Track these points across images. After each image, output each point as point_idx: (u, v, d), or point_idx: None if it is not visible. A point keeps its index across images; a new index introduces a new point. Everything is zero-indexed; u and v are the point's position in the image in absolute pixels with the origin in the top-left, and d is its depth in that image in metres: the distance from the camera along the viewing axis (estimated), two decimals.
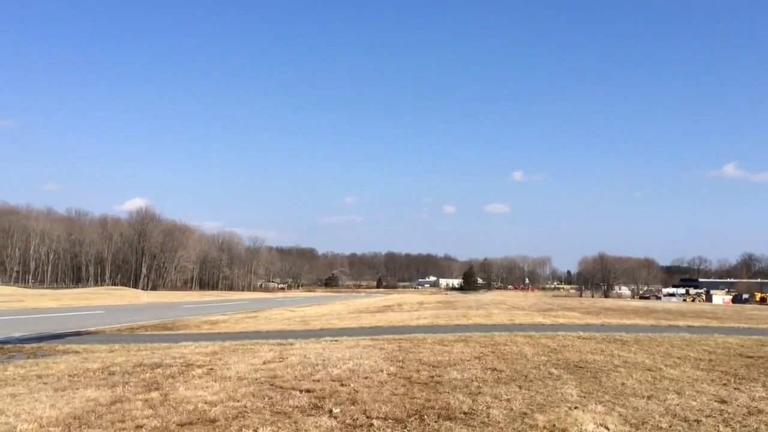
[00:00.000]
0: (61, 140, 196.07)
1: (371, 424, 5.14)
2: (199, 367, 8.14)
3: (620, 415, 5.58)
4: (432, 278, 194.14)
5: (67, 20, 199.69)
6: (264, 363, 8.46)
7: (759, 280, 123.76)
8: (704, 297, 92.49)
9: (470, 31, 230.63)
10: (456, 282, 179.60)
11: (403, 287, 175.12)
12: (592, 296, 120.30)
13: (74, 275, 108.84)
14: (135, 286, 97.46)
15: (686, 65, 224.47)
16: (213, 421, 5.20)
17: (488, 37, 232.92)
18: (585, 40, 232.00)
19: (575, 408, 5.79)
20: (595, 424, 5.25)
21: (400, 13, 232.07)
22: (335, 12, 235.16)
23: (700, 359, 9.44)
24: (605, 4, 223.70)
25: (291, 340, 11.85)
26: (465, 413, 5.53)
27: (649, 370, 8.20)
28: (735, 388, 7.05)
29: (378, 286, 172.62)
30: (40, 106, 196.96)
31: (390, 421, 5.28)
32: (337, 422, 5.21)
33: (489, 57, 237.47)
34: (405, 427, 5.09)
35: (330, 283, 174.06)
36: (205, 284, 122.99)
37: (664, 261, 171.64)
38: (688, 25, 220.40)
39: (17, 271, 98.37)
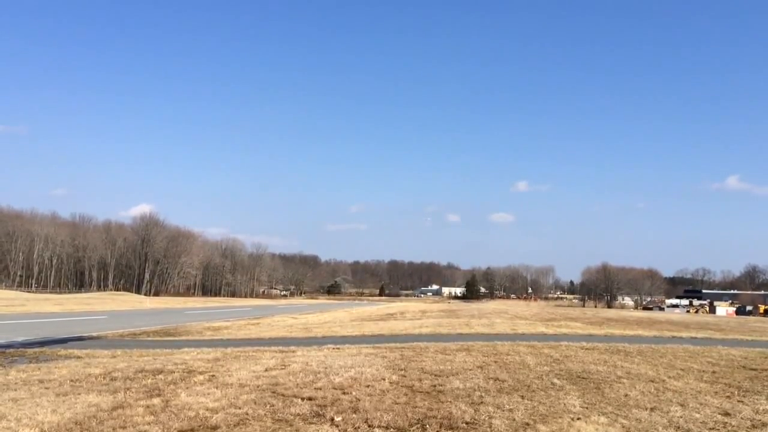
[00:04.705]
0: (70, 146, 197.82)
1: None
2: (200, 373, 8.13)
3: (623, 427, 5.56)
4: (435, 287, 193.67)
5: (75, 27, 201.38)
6: (266, 370, 8.45)
7: (763, 292, 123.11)
8: (708, 308, 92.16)
9: (475, 40, 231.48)
10: (459, 291, 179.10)
11: (406, 295, 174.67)
12: (595, 306, 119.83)
13: (77, 280, 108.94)
14: (138, 291, 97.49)
15: (691, 76, 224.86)
16: (214, 428, 5.20)
17: (493, 45, 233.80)
18: (589, 50, 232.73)
19: (578, 419, 5.76)
20: None
21: (405, 20, 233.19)
22: (340, 18, 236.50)
23: (703, 371, 9.39)
24: (609, 13, 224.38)
25: (293, 348, 11.84)
26: (467, 423, 5.51)
27: (653, 381, 8.17)
28: (739, 401, 7.01)
29: (381, 294, 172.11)
30: (49, 112, 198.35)
31: (392, 429, 5.27)
32: (339, 430, 5.20)
33: (493, 66, 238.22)
34: None
35: (332, 290, 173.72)
36: (207, 290, 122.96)
37: (668, 272, 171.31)
38: (694, 35, 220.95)
39: (20, 275, 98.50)
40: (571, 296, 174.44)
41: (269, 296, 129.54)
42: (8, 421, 5.37)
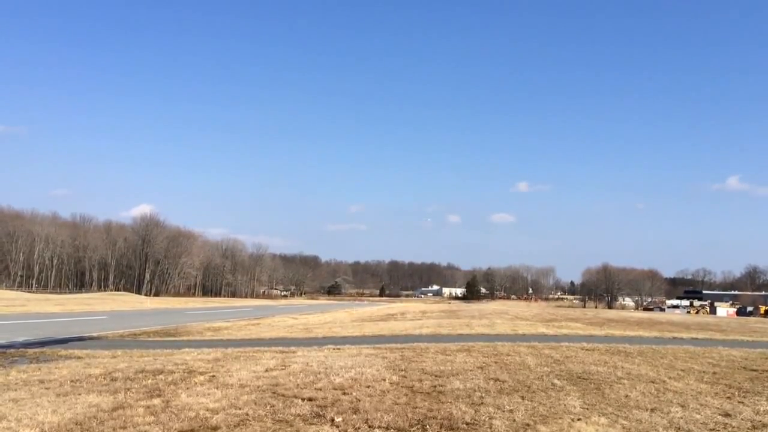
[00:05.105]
0: (70, 146, 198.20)
1: None
2: (201, 373, 8.14)
3: (623, 428, 5.55)
4: (435, 287, 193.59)
5: (76, 27, 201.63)
6: (266, 370, 8.44)
7: (763, 292, 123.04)
8: (708, 309, 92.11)
9: (476, 41, 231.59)
10: (459, 291, 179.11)
11: (406, 296, 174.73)
12: (596, 307, 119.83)
13: (78, 280, 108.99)
14: (138, 291, 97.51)
15: (691, 76, 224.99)
16: (215, 428, 5.20)
17: (494, 46, 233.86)
18: (590, 50, 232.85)
19: (578, 420, 5.76)
20: None
21: (406, 20, 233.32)
22: (341, 19, 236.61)
23: (704, 372, 9.38)
24: (610, 13, 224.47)
25: (293, 348, 11.83)
26: (467, 424, 5.51)
27: (653, 382, 8.16)
28: (739, 402, 7.00)
29: (381, 295, 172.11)
30: (50, 112, 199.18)
31: (392, 430, 5.27)
32: (339, 431, 5.20)
33: (494, 67, 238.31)
34: None
35: (333, 291, 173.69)
36: (208, 291, 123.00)
37: (668, 272, 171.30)
38: (695, 36, 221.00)
39: (21, 276, 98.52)
40: (572, 297, 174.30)
41: (269, 297, 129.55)
42: (8, 421, 5.37)
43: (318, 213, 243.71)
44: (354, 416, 5.68)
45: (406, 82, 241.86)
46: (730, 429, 5.71)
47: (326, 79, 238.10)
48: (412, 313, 36.52)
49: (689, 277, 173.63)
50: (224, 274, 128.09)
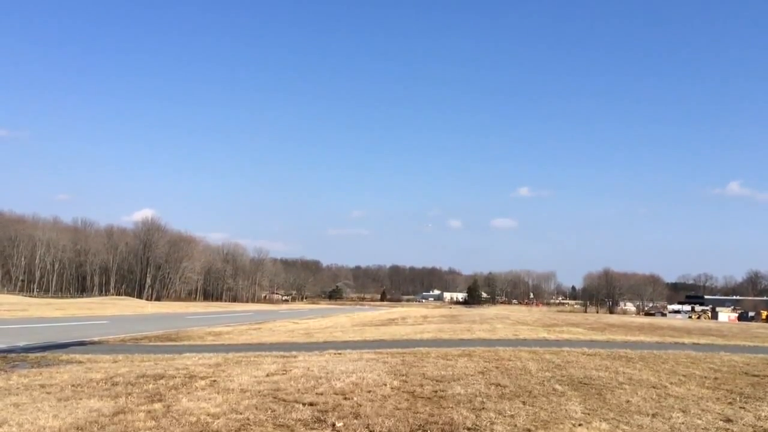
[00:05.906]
0: (72, 151, 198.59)
1: None
2: (202, 378, 8.14)
3: None
4: (436, 292, 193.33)
5: (78, 30, 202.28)
6: (267, 375, 8.45)
7: (765, 297, 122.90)
8: (710, 314, 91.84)
9: (476, 43, 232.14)
10: (460, 296, 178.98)
11: (407, 300, 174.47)
12: (597, 312, 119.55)
13: (79, 285, 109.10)
14: (139, 296, 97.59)
15: (692, 80, 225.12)
16: None
17: (495, 49, 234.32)
18: (590, 54, 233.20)
19: (579, 425, 5.75)
20: None
21: (408, 25, 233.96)
22: (343, 23, 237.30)
23: (705, 377, 9.37)
24: (610, 16, 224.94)
25: (294, 353, 11.83)
26: (468, 429, 5.51)
27: (654, 387, 8.15)
28: (740, 407, 6.99)
29: (382, 299, 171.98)
30: (52, 117, 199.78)
31: None
32: None
33: (495, 70, 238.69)
34: None
35: (334, 295, 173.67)
36: (209, 295, 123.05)
37: (670, 277, 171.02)
38: (696, 38, 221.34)
39: (22, 280, 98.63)
40: (573, 302, 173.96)
41: (271, 301, 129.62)
42: (10, 426, 5.38)
43: (319, 217, 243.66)
44: (355, 421, 5.68)
45: (407, 87, 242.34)
46: None
47: (328, 82, 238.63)
48: (413, 318, 36.49)
49: (691, 282, 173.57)
50: (225, 279, 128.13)
